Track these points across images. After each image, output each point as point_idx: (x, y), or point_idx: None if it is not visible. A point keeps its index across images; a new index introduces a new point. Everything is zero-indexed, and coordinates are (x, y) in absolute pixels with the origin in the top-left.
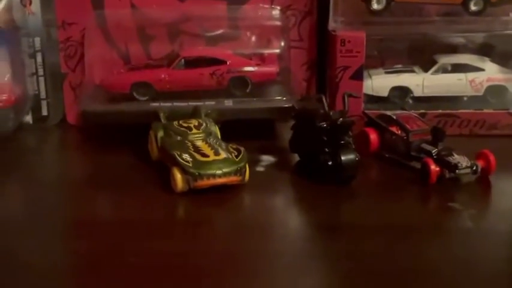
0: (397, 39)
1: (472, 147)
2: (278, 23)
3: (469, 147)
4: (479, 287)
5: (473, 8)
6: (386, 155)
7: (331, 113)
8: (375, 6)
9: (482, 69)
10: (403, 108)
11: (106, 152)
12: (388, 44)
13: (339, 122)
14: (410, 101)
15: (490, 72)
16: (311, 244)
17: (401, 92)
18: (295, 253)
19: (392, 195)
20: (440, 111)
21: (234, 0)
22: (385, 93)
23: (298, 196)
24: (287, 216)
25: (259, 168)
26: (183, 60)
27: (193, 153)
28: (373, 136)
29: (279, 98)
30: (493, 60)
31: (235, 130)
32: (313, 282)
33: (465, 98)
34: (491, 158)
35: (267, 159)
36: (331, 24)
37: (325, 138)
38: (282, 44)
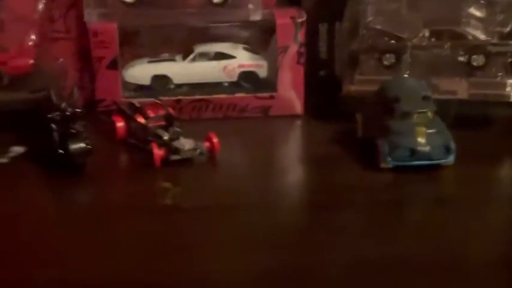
0: (163, 30)
1: (223, 129)
2: (37, 15)
3: (219, 129)
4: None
5: (215, 0)
6: (131, 141)
7: (61, 104)
8: None
9: (234, 57)
10: (156, 97)
11: None
12: (155, 34)
13: (68, 113)
14: (173, 88)
15: (241, 59)
16: None
17: (163, 79)
18: None
19: (122, 179)
20: (195, 97)
21: None
22: (147, 82)
23: (39, 184)
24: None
25: (4, 160)
26: None
27: None
28: (120, 124)
29: (36, 89)
30: (246, 48)
31: None
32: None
33: (226, 84)
34: (215, 139)
35: (18, 150)
36: (85, 17)
37: (55, 128)
38: (35, 36)
